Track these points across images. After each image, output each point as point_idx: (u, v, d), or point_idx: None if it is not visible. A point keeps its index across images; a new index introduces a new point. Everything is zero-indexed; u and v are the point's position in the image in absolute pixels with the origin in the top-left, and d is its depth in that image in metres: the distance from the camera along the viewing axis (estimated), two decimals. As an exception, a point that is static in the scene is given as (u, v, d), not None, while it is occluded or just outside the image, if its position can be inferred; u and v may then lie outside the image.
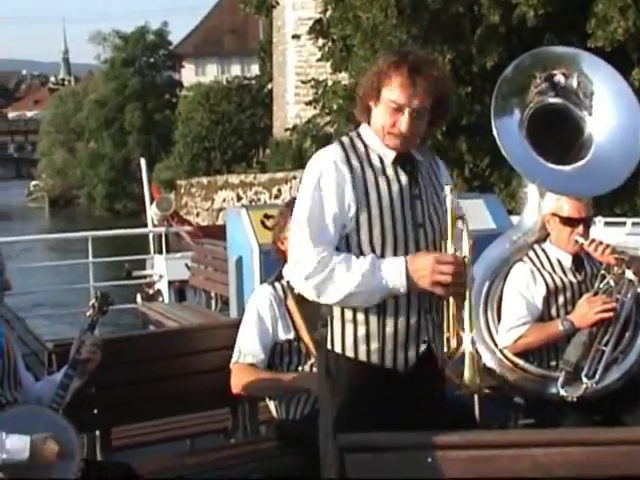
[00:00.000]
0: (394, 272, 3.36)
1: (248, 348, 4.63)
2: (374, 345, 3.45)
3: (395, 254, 3.41)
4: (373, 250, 3.41)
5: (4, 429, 3.69)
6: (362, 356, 3.46)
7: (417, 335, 3.46)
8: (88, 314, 4.22)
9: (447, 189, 3.44)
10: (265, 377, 4.61)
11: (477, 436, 3.17)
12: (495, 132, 4.40)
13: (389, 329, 3.44)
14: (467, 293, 3.37)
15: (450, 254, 3.40)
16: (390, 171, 3.47)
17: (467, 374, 3.34)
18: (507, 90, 4.52)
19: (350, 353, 3.47)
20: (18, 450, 3.64)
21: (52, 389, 4.02)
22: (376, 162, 3.46)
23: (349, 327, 3.48)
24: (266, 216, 6.32)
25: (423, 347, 3.48)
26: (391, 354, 3.45)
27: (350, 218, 3.41)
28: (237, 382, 4.65)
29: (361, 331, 3.45)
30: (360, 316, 3.45)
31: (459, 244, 3.43)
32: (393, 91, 3.38)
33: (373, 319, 3.44)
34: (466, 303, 3.37)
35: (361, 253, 3.42)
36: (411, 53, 3.42)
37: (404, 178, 3.47)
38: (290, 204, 4.87)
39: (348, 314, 3.47)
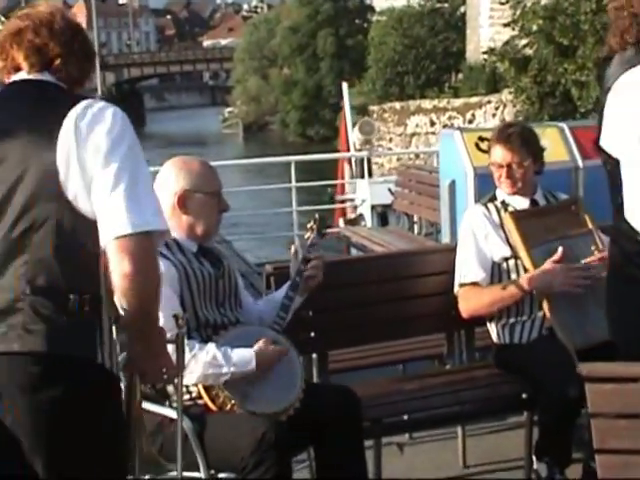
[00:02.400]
0: None
1: (467, 267, 4.56)
2: None
3: None
4: None
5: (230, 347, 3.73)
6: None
7: None
8: (307, 236, 4.22)
9: None
10: (492, 291, 4.51)
11: None
12: None
13: None
14: None
15: None
16: None
17: None
18: None
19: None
20: (245, 362, 3.68)
21: (273, 309, 4.03)
22: None
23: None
24: (481, 138, 6.13)
25: None
26: None
27: None
28: (465, 305, 4.57)
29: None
30: None
31: None
32: None
33: None
34: None
35: None
36: None
37: None
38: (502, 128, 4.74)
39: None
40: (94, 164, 2.60)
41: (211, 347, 3.68)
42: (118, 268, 2.55)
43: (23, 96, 2.77)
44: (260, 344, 3.75)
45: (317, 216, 4.28)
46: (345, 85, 13.04)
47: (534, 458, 4.43)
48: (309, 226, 4.25)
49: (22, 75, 2.81)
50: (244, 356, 3.70)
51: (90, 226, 2.59)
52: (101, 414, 2.60)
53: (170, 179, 3.86)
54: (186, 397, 3.71)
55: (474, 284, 4.54)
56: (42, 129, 2.63)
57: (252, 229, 16.35)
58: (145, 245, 2.56)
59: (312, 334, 4.58)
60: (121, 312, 2.62)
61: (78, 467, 2.57)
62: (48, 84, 2.79)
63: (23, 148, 2.63)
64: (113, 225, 2.55)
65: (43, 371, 2.53)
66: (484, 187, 5.28)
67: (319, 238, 4.21)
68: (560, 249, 4.36)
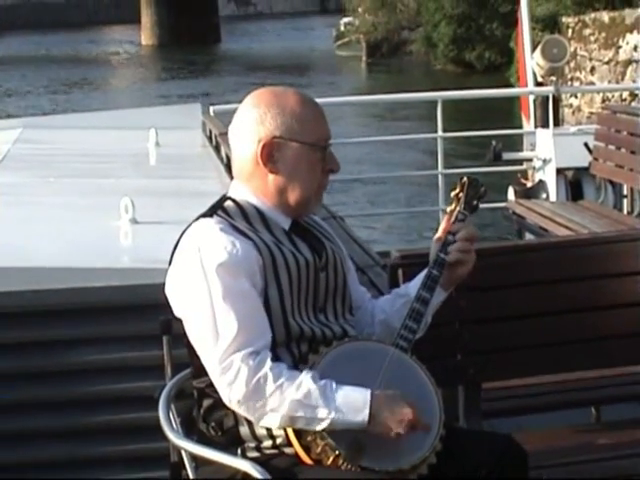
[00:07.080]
0: None
1: None
2: None
3: None
4: None
5: (332, 376, 3.75)
6: None
7: None
8: (449, 209, 4.25)
9: None
10: None
11: None
12: None
13: None
14: None
15: None
16: None
17: None
18: None
19: None
20: (353, 409, 3.69)
21: (398, 311, 4.10)
22: None
23: None
24: None
25: None
26: None
27: None
28: None
29: None
30: None
31: None
32: None
33: None
34: None
35: None
36: None
37: None
38: None
39: None
40: None
41: (305, 380, 3.69)
42: None
43: None
44: (381, 394, 3.72)
45: (466, 179, 4.29)
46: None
47: None
48: (454, 194, 4.28)
49: None
50: (353, 400, 3.70)
51: None
52: None
53: (253, 120, 3.92)
54: (268, 443, 3.81)
55: None
56: None
57: (376, 200, 16.36)
58: None
59: (458, 356, 4.69)
60: None
61: None
62: None
63: None
64: None
65: None
66: None
67: (469, 212, 4.25)
68: None
